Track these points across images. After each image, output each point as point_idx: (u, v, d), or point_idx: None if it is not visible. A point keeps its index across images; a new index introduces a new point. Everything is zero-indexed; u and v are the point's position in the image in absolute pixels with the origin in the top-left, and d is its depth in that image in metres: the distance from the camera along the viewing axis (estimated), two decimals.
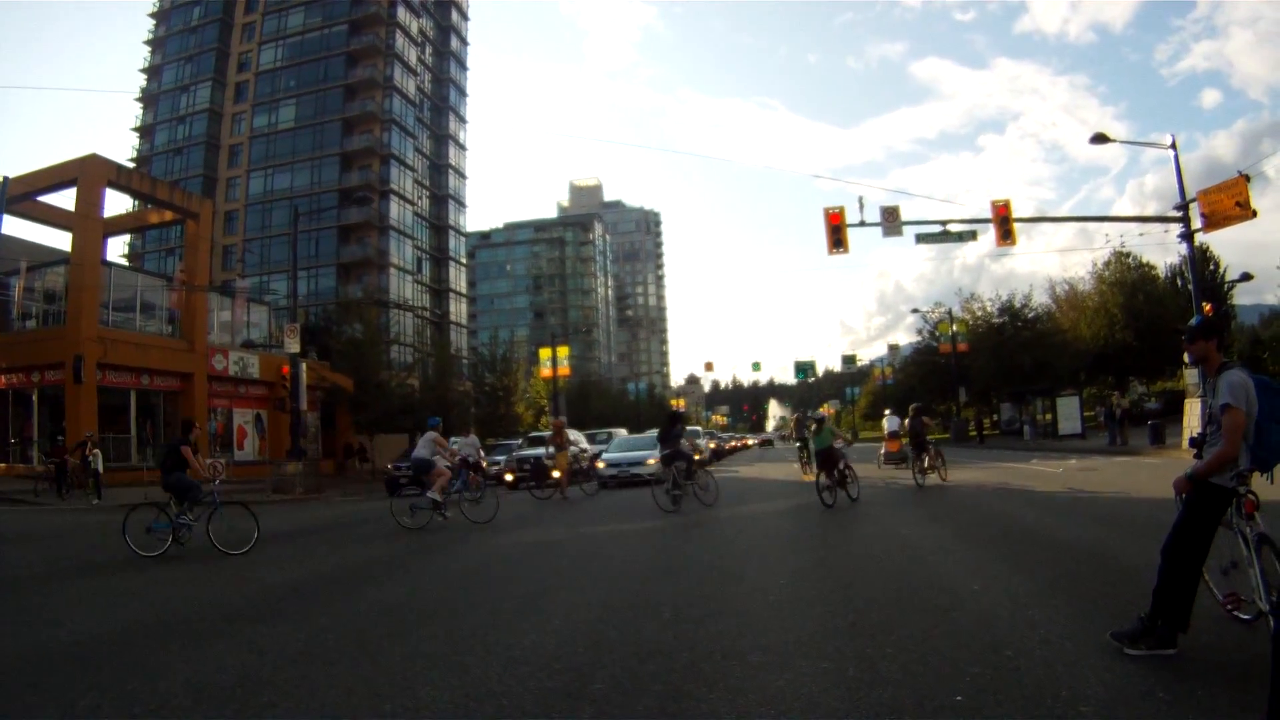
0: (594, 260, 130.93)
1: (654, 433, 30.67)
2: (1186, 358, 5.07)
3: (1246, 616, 4.66)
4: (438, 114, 77.67)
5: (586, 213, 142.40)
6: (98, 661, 5.27)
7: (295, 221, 32.59)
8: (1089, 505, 12.27)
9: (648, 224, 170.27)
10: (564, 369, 53.97)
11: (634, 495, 19.34)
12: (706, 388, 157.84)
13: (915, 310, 59.08)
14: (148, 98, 70.18)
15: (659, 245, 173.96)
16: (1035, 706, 3.76)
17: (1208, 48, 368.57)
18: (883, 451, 25.59)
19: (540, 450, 23.40)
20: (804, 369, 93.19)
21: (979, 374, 50.73)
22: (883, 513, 12.73)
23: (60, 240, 35.69)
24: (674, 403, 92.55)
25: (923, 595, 6.28)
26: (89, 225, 30.94)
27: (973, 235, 25.36)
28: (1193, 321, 4.80)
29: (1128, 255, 51.00)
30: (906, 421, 19.27)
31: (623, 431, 35.84)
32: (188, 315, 34.13)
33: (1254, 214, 20.91)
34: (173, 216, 38.96)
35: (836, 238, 23.73)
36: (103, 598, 7.84)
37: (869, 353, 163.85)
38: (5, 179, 26.01)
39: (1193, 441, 4.92)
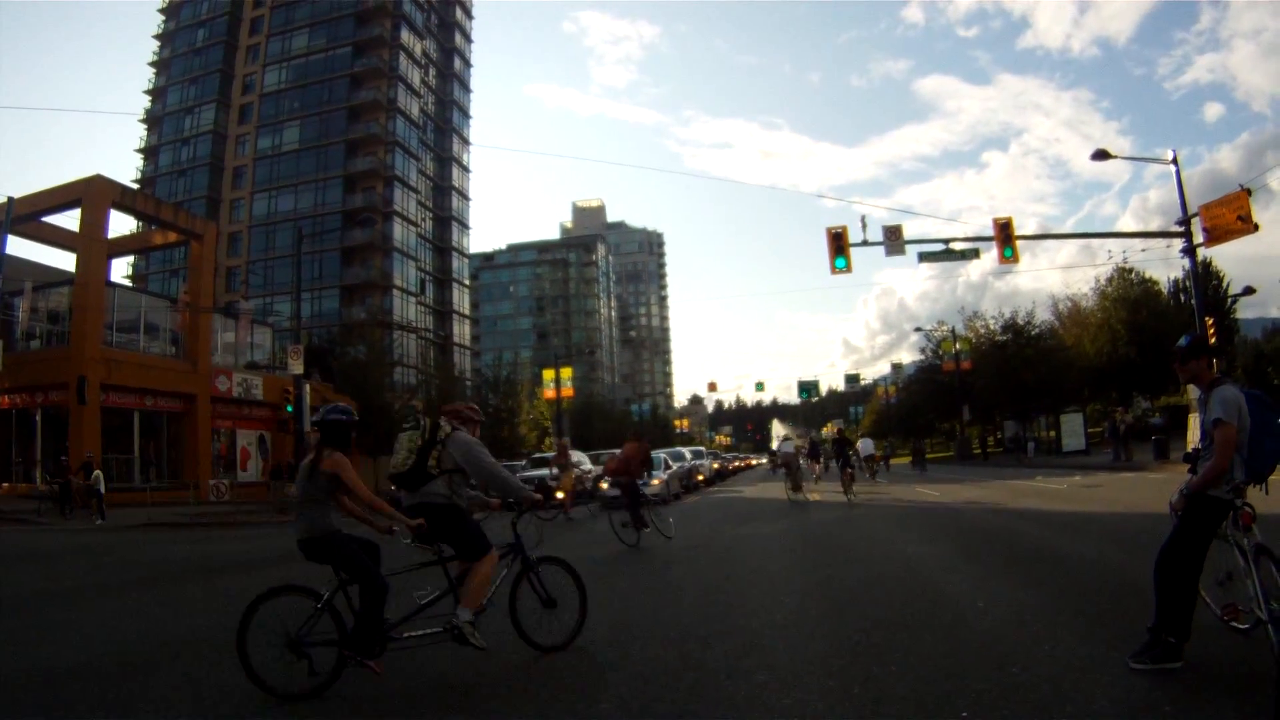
0: (597, 281, 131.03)
1: (659, 453, 30.69)
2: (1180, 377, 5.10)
3: (1244, 626, 4.68)
4: (441, 136, 78.13)
5: (589, 234, 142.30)
6: (102, 682, 5.26)
7: (299, 243, 32.69)
8: (1093, 521, 12.22)
9: (651, 245, 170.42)
10: (567, 390, 53.88)
11: None
12: (710, 408, 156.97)
13: (919, 329, 58.95)
14: (152, 119, 70.73)
15: (662, 266, 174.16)
16: None
17: (1211, 60, 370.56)
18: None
19: (544, 471, 23.36)
20: (808, 388, 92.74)
21: (982, 391, 50.63)
22: (887, 531, 12.71)
23: (65, 261, 35.79)
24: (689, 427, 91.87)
25: (928, 613, 6.26)
26: (93, 246, 31.14)
27: (976, 253, 25.24)
28: (1182, 341, 4.82)
29: (1130, 271, 50.93)
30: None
31: None
32: (191, 336, 34.24)
33: (1256, 228, 20.87)
34: (177, 238, 39.15)
35: (839, 256, 23.71)
36: (107, 617, 7.84)
37: (873, 371, 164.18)
38: (10, 199, 26.19)
39: (1186, 457, 4.96)
